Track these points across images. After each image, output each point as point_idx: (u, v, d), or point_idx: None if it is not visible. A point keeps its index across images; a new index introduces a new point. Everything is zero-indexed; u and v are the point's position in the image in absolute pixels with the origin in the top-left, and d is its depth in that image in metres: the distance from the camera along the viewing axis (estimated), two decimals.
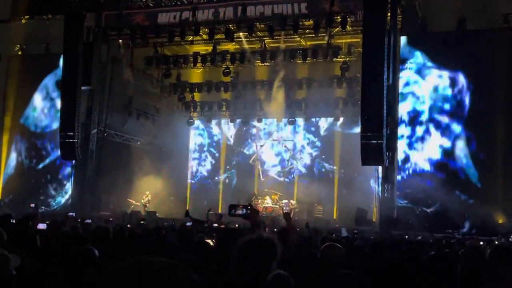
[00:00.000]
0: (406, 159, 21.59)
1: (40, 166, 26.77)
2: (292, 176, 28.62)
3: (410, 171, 21.52)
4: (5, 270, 3.60)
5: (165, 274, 1.36)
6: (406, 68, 22.00)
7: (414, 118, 21.73)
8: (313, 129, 28.70)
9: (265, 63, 26.78)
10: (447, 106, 21.39)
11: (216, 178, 29.98)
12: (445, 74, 21.49)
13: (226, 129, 30.61)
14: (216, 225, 12.49)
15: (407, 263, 5.42)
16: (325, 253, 4.64)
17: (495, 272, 3.55)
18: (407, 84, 21.91)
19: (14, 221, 7.85)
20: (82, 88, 24.60)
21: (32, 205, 24.36)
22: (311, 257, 5.13)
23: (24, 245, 5.18)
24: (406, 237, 15.05)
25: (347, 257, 5.84)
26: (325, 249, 4.69)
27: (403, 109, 21.70)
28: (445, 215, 20.30)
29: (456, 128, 21.15)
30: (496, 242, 12.67)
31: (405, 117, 21.73)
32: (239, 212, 4.42)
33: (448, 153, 21.10)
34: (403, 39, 21.94)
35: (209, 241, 5.01)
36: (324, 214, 25.76)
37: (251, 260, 2.70)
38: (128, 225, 13.21)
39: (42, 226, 7.82)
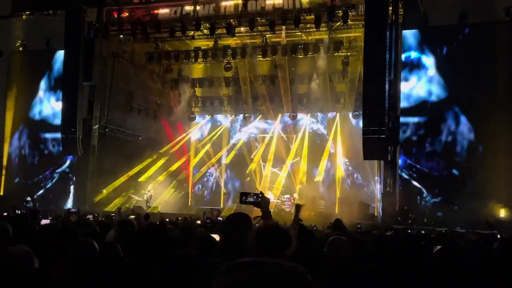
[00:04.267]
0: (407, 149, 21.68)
1: (42, 161, 26.80)
2: (294, 170, 28.57)
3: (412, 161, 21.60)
4: (29, 266, 3.60)
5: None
6: (408, 60, 21.99)
7: (415, 110, 21.76)
8: (315, 123, 28.66)
9: (267, 58, 26.70)
10: (447, 98, 21.37)
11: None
12: (447, 67, 21.46)
13: (228, 124, 30.60)
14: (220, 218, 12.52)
15: (411, 257, 5.41)
16: (331, 247, 4.64)
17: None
18: (408, 75, 21.91)
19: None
20: (83, 83, 24.63)
21: (28, 198, 24.53)
22: (316, 250, 5.13)
23: (26, 242, 5.17)
24: (409, 231, 15.04)
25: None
26: (331, 242, 4.69)
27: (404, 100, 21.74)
28: (447, 208, 20.34)
29: (457, 120, 21.13)
30: (499, 236, 12.64)
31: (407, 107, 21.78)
32: (250, 199, 4.41)
33: (449, 145, 21.11)
34: (404, 33, 21.88)
35: (215, 236, 4.99)
36: (326, 209, 25.73)
37: (264, 249, 2.69)
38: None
39: (46, 221, 7.82)
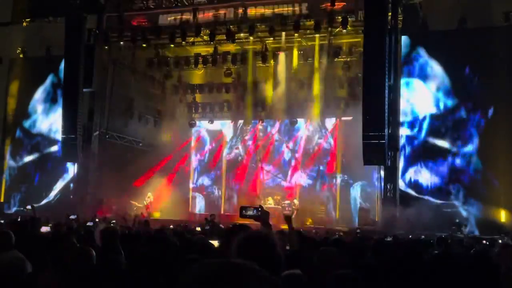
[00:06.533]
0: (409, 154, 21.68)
1: (42, 168, 26.81)
2: (294, 176, 28.58)
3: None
4: (22, 272, 3.62)
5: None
6: (407, 66, 22.02)
7: (416, 116, 21.77)
8: (314, 129, 28.62)
9: (266, 64, 26.76)
10: (448, 104, 21.39)
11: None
12: (447, 72, 21.50)
13: (228, 130, 30.61)
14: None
15: (411, 262, 5.42)
16: (321, 257, 4.64)
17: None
18: (409, 82, 21.95)
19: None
20: (84, 90, 24.67)
21: (28, 206, 24.51)
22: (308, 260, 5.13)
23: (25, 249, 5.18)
24: (410, 236, 15.03)
25: (351, 257, 5.84)
26: (322, 253, 4.69)
27: (406, 106, 21.75)
28: (447, 213, 20.32)
29: (458, 126, 21.15)
30: (500, 241, 12.64)
31: (408, 114, 21.78)
32: (250, 213, 4.45)
33: (450, 151, 21.11)
34: (404, 38, 21.93)
35: (213, 242, 5.02)
36: (327, 214, 25.74)
37: (247, 255, 2.70)
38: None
39: (45, 229, 7.82)
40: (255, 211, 4.47)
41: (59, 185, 26.40)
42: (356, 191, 26.69)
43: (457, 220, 19.86)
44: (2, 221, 14.31)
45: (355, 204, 25.15)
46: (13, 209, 25.61)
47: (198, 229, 12.79)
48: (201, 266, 1.38)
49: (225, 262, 1.39)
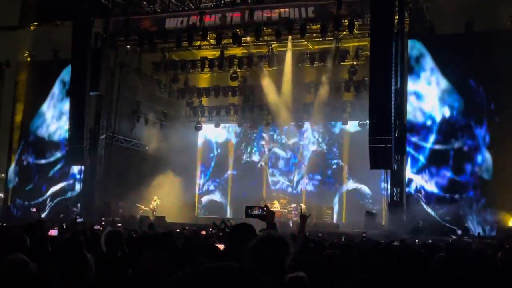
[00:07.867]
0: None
1: (49, 171, 26.85)
2: (301, 180, 28.55)
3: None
4: (25, 273, 3.61)
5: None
6: (414, 70, 21.96)
7: (423, 121, 21.69)
8: (321, 133, 28.62)
9: (273, 67, 26.78)
10: (455, 109, 21.29)
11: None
12: (454, 76, 21.42)
13: (234, 134, 30.62)
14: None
15: (418, 267, 5.39)
16: (327, 261, 4.62)
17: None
18: (415, 86, 21.87)
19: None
20: (91, 93, 24.75)
21: (33, 209, 24.63)
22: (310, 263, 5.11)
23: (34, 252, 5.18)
24: (417, 240, 14.96)
25: (357, 261, 5.83)
26: (327, 256, 4.67)
27: (412, 111, 21.67)
28: (454, 218, 20.24)
29: (465, 130, 21.05)
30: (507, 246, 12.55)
31: (415, 119, 21.69)
32: (255, 212, 4.49)
33: (459, 154, 21.01)
34: (410, 42, 21.88)
35: (220, 245, 5.01)
36: (333, 218, 25.68)
37: (263, 258, 2.71)
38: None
39: (53, 232, 7.83)
40: (260, 210, 4.50)
41: (66, 189, 26.42)
42: (362, 195, 26.65)
43: (465, 225, 19.78)
44: (4, 224, 14.34)
45: (362, 208, 25.05)
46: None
47: (203, 232, 12.77)
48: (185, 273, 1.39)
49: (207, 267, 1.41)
